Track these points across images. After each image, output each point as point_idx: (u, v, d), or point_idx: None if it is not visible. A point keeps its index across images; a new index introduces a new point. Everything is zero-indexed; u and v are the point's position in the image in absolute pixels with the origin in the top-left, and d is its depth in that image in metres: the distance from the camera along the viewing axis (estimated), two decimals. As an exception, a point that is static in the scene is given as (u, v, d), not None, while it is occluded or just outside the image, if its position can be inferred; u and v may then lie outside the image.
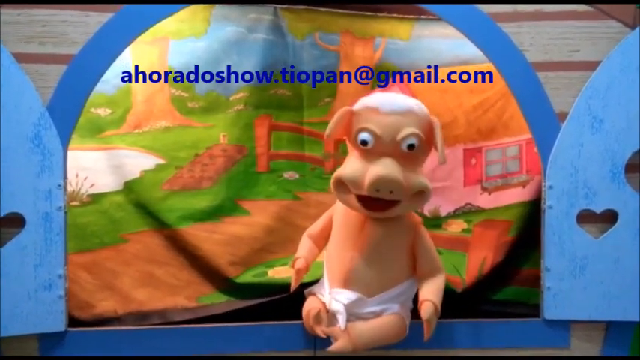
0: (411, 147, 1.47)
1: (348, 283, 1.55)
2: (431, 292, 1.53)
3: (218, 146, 2.06)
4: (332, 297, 1.55)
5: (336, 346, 1.50)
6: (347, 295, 1.53)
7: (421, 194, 1.50)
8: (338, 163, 2.01)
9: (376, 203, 1.48)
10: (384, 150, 1.47)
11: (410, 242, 1.59)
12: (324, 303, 1.57)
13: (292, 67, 2.11)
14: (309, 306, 1.58)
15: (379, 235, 1.56)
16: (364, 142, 1.48)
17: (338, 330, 1.51)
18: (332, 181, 1.52)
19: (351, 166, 1.51)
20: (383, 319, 1.55)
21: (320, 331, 1.53)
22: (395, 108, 1.49)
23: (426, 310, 1.48)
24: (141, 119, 2.02)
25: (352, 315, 1.54)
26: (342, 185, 1.51)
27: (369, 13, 2.17)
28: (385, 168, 1.43)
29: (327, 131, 1.50)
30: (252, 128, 2.10)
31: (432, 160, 1.73)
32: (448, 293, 1.63)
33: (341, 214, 1.64)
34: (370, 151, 1.48)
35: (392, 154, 1.47)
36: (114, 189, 1.96)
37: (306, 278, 1.69)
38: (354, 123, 1.52)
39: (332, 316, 1.54)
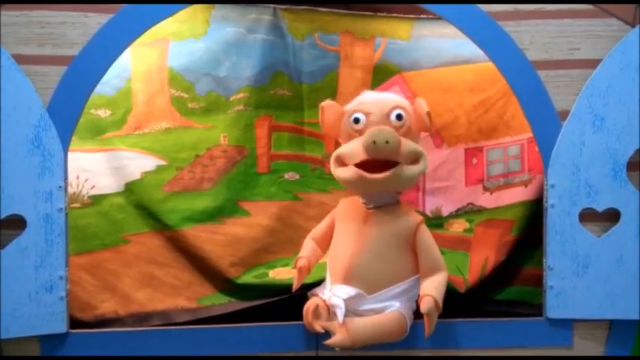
0: (399, 117, 1.56)
1: (348, 279, 1.55)
2: (431, 288, 1.53)
3: (218, 147, 2.06)
4: (332, 293, 1.56)
5: (334, 340, 1.50)
6: (346, 291, 1.54)
7: (417, 160, 1.54)
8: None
9: (374, 167, 1.52)
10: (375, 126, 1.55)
11: (411, 240, 1.59)
12: (324, 300, 1.57)
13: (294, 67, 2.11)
14: (309, 303, 1.58)
15: (380, 232, 1.57)
16: (356, 120, 1.58)
17: (336, 324, 1.51)
18: (332, 158, 1.60)
19: (349, 143, 1.59)
20: (382, 315, 1.54)
21: (318, 326, 1.53)
22: (380, 97, 1.65)
23: (426, 304, 1.48)
24: (141, 120, 2.02)
25: (352, 312, 1.54)
26: (341, 162, 1.58)
27: (368, 13, 2.18)
28: (379, 126, 1.53)
29: (320, 123, 1.65)
30: (253, 129, 2.10)
31: (433, 159, 1.73)
32: (451, 294, 1.62)
33: (343, 213, 1.66)
34: (363, 131, 1.55)
35: None
36: (114, 190, 1.96)
37: (310, 279, 1.69)
38: (346, 117, 1.60)
39: (332, 313, 1.54)
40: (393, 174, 1.51)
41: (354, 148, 1.54)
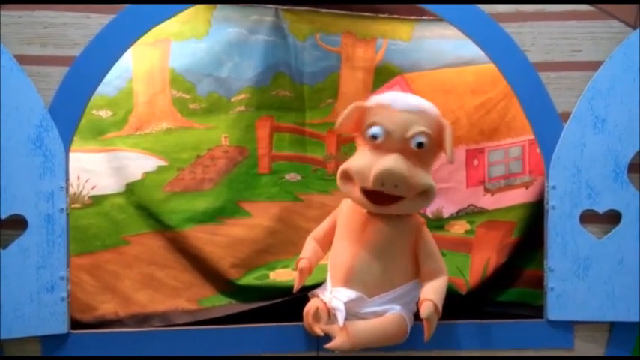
0: (419, 145, 1.49)
1: (349, 282, 1.55)
2: (431, 292, 1.52)
3: (219, 148, 2.06)
4: (332, 295, 1.55)
5: (334, 343, 1.49)
6: (347, 294, 1.53)
7: (425, 194, 1.51)
8: (339, 165, 2.01)
9: (380, 197, 1.49)
10: (393, 146, 1.49)
11: (412, 243, 1.59)
12: (325, 303, 1.57)
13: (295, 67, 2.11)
14: (309, 305, 1.58)
15: (382, 235, 1.56)
16: (374, 137, 1.50)
17: (336, 327, 1.50)
18: (339, 172, 1.55)
19: (359, 158, 1.54)
20: (383, 318, 1.54)
21: (318, 328, 1.53)
22: (407, 106, 1.52)
23: (426, 308, 1.47)
24: (142, 121, 2.02)
25: (352, 315, 1.53)
26: (348, 178, 1.53)
27: (370, 14, 2.18)
28: (392, 162, 1.45)
29: (337, 123, 1.54)
30: (254, 129, 2.10)
31: (434, 161, 1.72)
32: (452, 295, 1.62)
33: (345, 214, 1.65)
34: (380, 146, 1.50)
35: (401, 150, 1.49)
36: (115, 191, 1.96)
37: (310, 281, 1.69)
38: (366, 118, 1.54)
39: (333, 316, 1.54)
40: (397, 208, 1.51)
41: (363, 172, 1.48)
